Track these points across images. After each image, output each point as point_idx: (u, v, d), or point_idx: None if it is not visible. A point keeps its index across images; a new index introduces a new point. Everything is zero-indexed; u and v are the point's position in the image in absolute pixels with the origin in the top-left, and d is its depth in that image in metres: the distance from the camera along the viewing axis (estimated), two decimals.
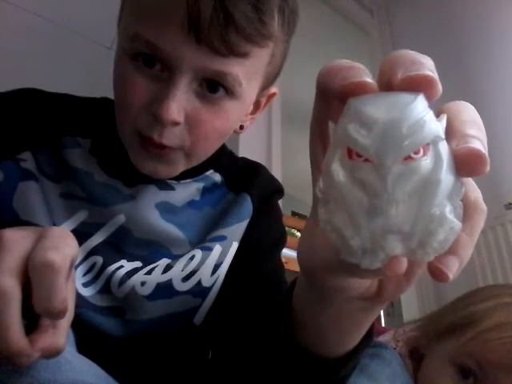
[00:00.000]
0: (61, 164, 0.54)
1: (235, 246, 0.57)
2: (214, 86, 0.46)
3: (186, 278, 0.53)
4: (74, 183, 0.53)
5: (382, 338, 0.74)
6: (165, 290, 0.52)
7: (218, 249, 0.55)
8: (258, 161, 0.69)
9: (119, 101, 0.49)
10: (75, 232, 0.33)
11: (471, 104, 0.23)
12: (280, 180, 0.69)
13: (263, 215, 0.61)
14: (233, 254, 0.56)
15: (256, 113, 0.59)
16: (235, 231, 0.57)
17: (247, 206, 0.59)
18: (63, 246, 0.30)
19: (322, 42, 2.91)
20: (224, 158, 0.63)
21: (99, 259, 0.51)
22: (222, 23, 0.42)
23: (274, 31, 0.47)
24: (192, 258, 0.54)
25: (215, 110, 0.48)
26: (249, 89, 0.49)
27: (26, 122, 0.54)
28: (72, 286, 0.33)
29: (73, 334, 0.39)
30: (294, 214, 4.57)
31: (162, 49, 0.44)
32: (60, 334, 0.30)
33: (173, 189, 0.57)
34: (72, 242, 0.31)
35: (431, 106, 0.20)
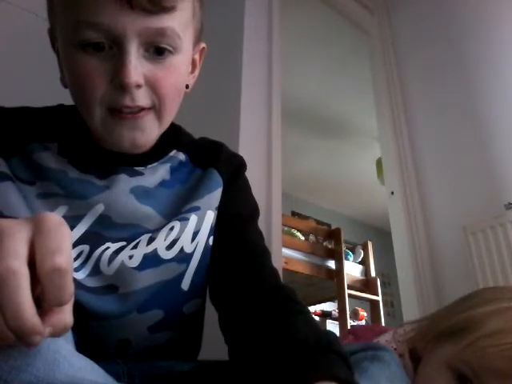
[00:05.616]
0: (33, 167, 0.57)
1: (210, 213, 0.62)
2: (159, 51, 0.52)
3: (170, 247, 0.58)
4: (50, 182, 0.56)
5: (382, 338, 0.74)
6: (152, 259, 0.56)
7: (194, 218, 0.60)
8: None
9: (81, 88, 0.52)
10: None
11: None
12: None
13: (238, 188, 0.67)
14: (210, 222, 0.62)
15: (195, 71, 0.64)
16: (207, 201, 0.62)
17: (216, 178, 0.64)
18: (64, 244, 0.31)
19: (322, 42, 2.91)
20: (184, 138, 0.68)
21: (86, 247, 0.54)
22: None
23: None
24: (172, 228, 0.59)
25: (166, 68, 0.53)
26: (185, 40, 0.55)
27: None
28: None
29: (71, 334, 0.39)
30: (293, 214, 4.57)
31: (104, 24, 0.48)
32: (66, 311, 0.31)
33: (142, 174, 0.61)
34: (66, 229, 0.33)
35: None
